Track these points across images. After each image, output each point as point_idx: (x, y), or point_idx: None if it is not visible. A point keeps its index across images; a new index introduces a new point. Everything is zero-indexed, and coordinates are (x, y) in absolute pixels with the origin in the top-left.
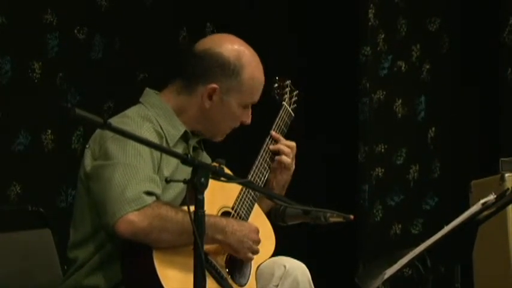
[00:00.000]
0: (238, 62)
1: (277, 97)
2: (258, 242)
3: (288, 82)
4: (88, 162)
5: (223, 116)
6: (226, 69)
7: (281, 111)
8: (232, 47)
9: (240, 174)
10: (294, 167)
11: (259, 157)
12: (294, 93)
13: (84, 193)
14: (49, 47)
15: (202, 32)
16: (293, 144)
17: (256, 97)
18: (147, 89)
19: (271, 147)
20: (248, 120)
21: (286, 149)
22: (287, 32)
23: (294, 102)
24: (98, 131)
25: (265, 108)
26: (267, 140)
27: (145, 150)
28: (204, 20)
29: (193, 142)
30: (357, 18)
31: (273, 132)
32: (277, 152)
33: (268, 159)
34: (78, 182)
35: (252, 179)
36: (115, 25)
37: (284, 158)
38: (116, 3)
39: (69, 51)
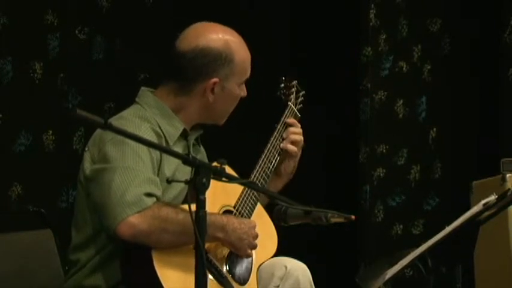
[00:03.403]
0: (228, 50)
1: (282, 97)
2: (256, 236)
3: (295, 82)
4: (87, 165)
5: (227, 101)
6: (219, 60)
7: (286, 111)
8: (217, 37)
9: (244, 170)
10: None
11: (263, 156)
12: (301, 93)
13: (84, 196)
14: (50, 48)
15: None
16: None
17: (249, 72)
18: (143, 88)
19: (292, 129)
20: (245, 94)
21: (298, 137)
22: (287, 33)
23: (300, 102)
24: (96, 133)
25: (270, 108)
26: (275, 134)
27: (144, 152)
28: (204, 20)
29: (192, 139)
30: (358, 19)
31: (288, 120)
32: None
33: (275, 154)
34: (78, 185)
35: (256, 177)
36: (116, 26)
37: (290, 146)
38: (117, 4)
39: (70, 52)
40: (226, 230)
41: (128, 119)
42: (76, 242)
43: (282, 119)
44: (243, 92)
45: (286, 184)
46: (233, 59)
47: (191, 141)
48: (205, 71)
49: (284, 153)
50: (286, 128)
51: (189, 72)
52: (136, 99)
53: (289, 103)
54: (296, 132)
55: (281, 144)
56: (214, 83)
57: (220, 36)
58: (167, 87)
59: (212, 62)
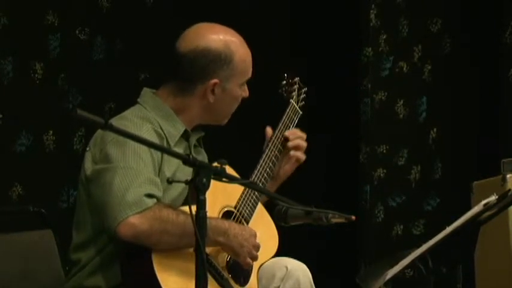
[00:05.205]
0: (228, 50)
1: (284, 94)
2: (257, 247)
3: (297, 79)
4: (88, 165)
5: (228, 102)
6: (219, 61)
7: (288, 109)
8: (217, 37)
9: (245, 170)
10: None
11: (264, 156)
12: (303, 90)
13: (85, 196)
14: (51, 48)
15: None
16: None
17: (250, 73)
18: (145, 89)
19: (290, 144)
20: (247, 94)
21: (302, 143)
22: (288, 33)
23: (302, 99)
24: (97, 133)
25: (272, 105)
26: (277, 132)
27: (145, 152)
28: (204, 20)
29: (193, 140)
30: (358, 19)
31: (286, 133)
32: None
33: (276, 153)
34: (79, 185)
35: (256, 177)
36: (116, 26)
37: (300, 154)
38: (117, 4)
39: (71, 52)
40: (228, 234)
41: (129, 119)
42: (77, 242)
43: (284, 117)
44: (244, 92)
45: (285, 184)
46: (233, 59)
47: (192, 142)
48: (205, 72)
49: (286, 157)
50: (287, 127)
51: (189, 73)
52: (138, 99)
53: (291, 100)
54: (299, 136)
55: (291, 152)
56: (215, 84)
57: (220, 37)
58: (168, 87)
59: (212, 62)
